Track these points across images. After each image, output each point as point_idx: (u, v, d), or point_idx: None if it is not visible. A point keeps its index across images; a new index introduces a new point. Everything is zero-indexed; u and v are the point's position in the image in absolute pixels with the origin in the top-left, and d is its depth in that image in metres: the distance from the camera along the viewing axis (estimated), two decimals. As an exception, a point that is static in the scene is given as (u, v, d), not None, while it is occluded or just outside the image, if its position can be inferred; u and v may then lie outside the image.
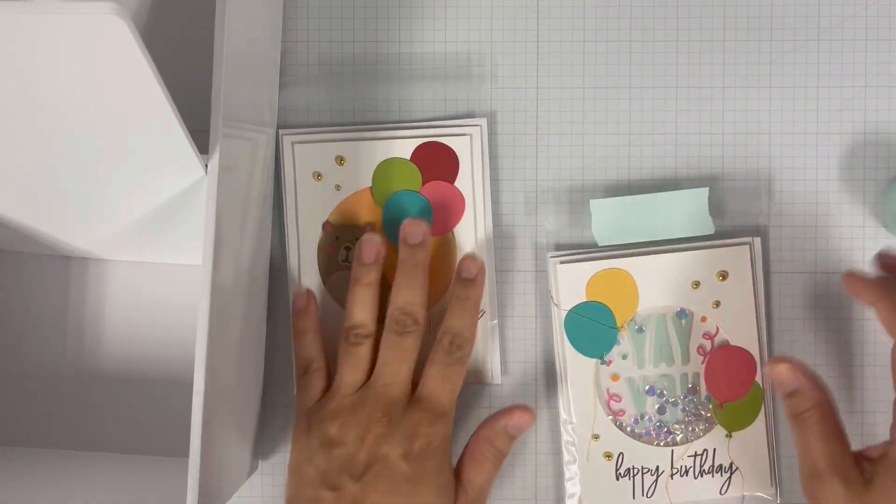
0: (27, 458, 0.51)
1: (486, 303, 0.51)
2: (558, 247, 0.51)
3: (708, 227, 0.50)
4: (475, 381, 0.51)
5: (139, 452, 0.52)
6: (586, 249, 0.51)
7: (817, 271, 0.51)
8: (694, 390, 0.50)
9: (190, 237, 0.47)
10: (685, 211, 0.50)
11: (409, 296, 0.47)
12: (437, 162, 0.51)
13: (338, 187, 0.51)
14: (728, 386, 0.50)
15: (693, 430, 0.50)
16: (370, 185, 0.51)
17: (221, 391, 0.43)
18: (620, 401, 0.50)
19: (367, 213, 0.51)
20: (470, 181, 0.51)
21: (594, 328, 0.50)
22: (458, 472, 0.47)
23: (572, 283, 0.50)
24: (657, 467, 0.50)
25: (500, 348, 0.51)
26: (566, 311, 0.50)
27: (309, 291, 0.51)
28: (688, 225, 0.50)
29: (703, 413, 0.50)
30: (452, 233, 0.51)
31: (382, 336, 0.47)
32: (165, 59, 0.36)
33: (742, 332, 0.50)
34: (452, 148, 0.51)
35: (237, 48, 0.42)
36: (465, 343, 0.47)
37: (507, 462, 0.49)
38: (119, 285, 0.53)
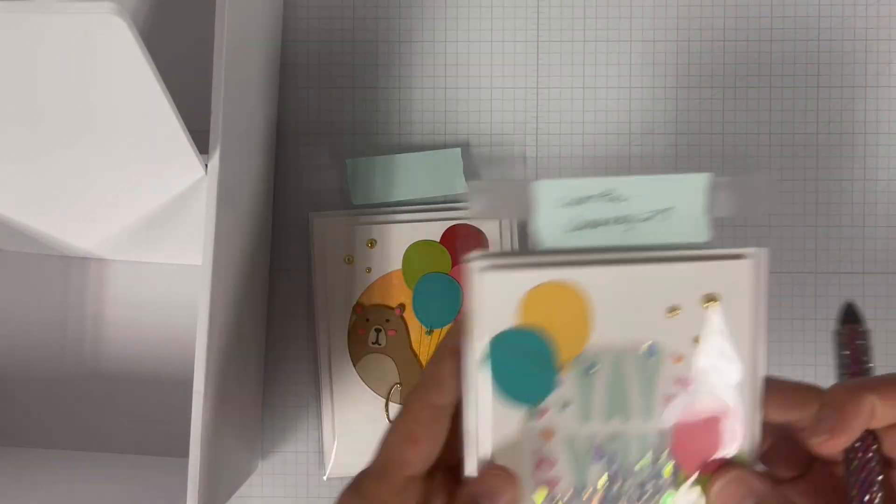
0: (27, 458, 0.51)
1: None
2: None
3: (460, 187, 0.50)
4: None
5: (139, 452, 0.52)
6: (520, 253, 0.36)
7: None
8: (656, 458, 0.33)
9: (190, 237, 0.47)
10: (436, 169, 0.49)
11: None
12: (466, 244, 0.51)
13: (368, 270, 0.51)
14: (705, 454, 0.33)
15: None
16: (400, 266, 0.51)
17: (221, 391, 0.43)
18: (553, 467, 0.33)
19: (398, 294, 0.51)
20: None
21: (525, 364, 0.33)
22: None
23: (501, 300, 0.32)
24: None
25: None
26: (489, 339, 0.32)
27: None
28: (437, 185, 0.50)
29: (668, 488, 0.33)
30: None
31: None
32: (165, 59, 0.35)
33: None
34: (481, 230, 0.51)
35: (237, 48, 0.42)
36: None
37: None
38: (119, 285, 0.53)
